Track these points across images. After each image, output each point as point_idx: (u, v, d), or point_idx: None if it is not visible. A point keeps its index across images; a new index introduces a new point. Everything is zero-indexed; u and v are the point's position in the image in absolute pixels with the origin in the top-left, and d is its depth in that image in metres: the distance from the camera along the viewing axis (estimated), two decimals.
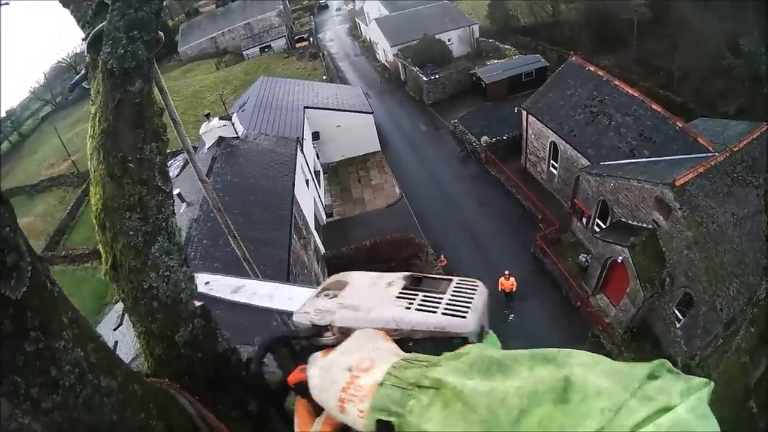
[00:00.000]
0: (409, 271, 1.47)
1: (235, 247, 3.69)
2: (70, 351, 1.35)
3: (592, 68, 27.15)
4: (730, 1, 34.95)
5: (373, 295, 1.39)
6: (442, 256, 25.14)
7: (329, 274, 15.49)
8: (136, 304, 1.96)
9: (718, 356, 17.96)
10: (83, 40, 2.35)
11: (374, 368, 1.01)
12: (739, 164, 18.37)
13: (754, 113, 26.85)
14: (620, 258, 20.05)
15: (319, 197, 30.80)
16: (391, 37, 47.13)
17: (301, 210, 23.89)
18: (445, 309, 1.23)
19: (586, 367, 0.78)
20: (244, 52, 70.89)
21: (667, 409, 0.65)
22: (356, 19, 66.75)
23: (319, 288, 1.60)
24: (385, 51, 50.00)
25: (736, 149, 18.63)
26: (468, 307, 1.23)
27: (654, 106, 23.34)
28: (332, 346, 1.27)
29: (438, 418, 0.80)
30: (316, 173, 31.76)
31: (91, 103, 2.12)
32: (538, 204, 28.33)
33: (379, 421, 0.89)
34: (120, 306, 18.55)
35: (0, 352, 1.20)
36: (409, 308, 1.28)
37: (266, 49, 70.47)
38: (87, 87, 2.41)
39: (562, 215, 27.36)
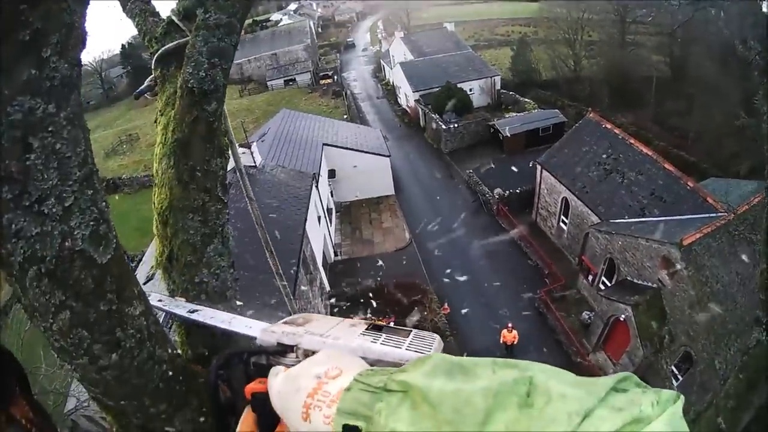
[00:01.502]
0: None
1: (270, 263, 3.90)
2: (135, 318, 1.49)
3: (608, 126, 27.51)
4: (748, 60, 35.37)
5: (338, 329, 1.46)
6: (446, 304, 25.15)
7: (332, 312, 15.52)
8: (185, 295, 2.17)
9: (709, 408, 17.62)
10: (151, 54, 2.76)
11: (342, 376, 1.01)
12: (744, 224, 18.32)
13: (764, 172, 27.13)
14: (623, 316, 20.07)
15: (329, 235, 31.01)
16: (413, 83, 47.64)
17: (310, 245, 24.05)
18: (409, 346, 1.31)
19: (548, 373, 0.78)
20: (269, 83, 71.87)
21: (638, 421, 0.65)
22: (381, 61, 67.43)
23: (282, 320, 1.64)
24: (407, 96, 50.41)
25: (741, 210, 18.69)
26: (430, 348, 1.31)
27: (667, 166, 23.60)
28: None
29: (406, 419, 0.80)
30: (329, 211, 32.02)
31: (159, 113, 2.54)
32: (546, 259, 28.43)
33: (345, 426, 0.89)
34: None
35: (76, 306, 1.32)
36: (374, 342, 1.35)
37: (290, 82, 71.37)
38: (149, 97, 2.89)
39: (569, 271, 27.42)
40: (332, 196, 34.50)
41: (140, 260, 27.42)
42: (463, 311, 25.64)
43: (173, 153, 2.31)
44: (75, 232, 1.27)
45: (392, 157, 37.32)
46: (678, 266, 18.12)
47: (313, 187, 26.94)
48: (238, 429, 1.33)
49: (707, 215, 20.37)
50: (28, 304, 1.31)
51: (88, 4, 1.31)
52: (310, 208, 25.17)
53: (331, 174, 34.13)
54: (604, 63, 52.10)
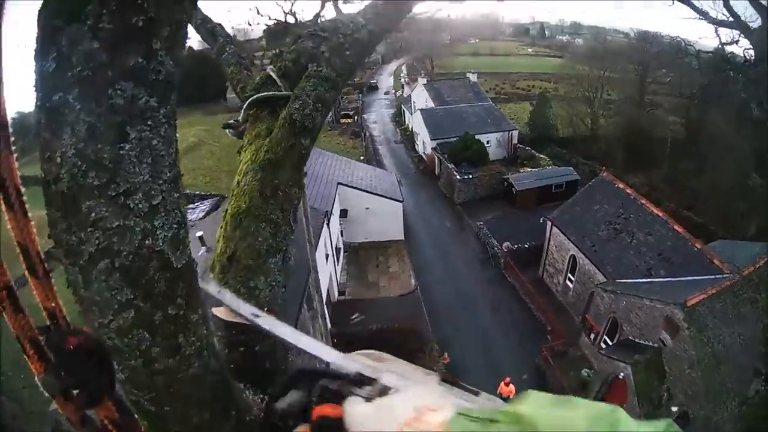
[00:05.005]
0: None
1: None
2: (199, 326, 1.49)
3: (621, 185, 27.72)
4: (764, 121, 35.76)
5: (416, 374, 1.49)
6: (446, 354, 25.04)
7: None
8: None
9: None
10: (245, 98, 3.33)
11: (439, 411, 1.04)
12: (749, 284, 18.46)
13: None
14: (622, 374, 19.99)
15: (335, 274, 31.03)
16: (432, 130, 47.96)
17: (317, 282, 24.14)
18: (482, 404, 1.34)
19: (624, 412, 0.89)
20: None
21: None
22: (402, 105, 67.76)
23: (353, 353, 1.75)
24: (425, 143, 50.72)
25: (747, 272, 18.78)
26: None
27: (676, 227, 23.73)
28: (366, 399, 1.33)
29: None
30: (337, 250, 32.10)
31: (247, 143, 3.05)
32: (549, 315, 28.33)
33: None
34: None
35: (144, 306, 1.30)
36: (452, 393, 1.36)
37: None
38: (230, 133, 3.43)
39: (571, 329, 27.29)
40: (342, 235, 34.62)
41: None
42: (464, 361, 25.57)
43: (262, 168, 2.71)
44: (157, 232, 1.27)
45: (405, 202, 37.41)
46: (680, 327, 18.16)
47: (324, 225, 27.13)
48: None
49: (713, 276, 20.37)
50: (88, 296, 1.27)
51: (197, 3, 1.40)
52: (319, 245, 25.31)
53: (343, 213, 34.27)
54: (621, 122, 52.57)
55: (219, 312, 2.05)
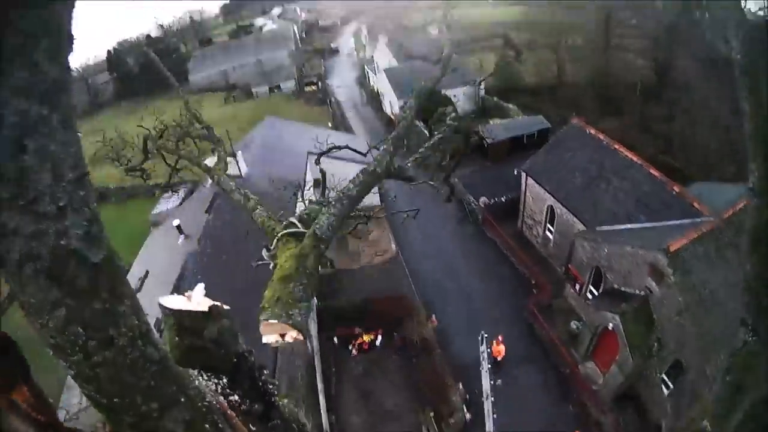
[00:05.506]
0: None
1: None
2: (128, 316, 1.57)
3: (593, 131, 27.25)
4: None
5: None
6: (434, 317, 24.94)
7: (318, 325, 15.62)
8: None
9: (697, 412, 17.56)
10: (276, 234, 4.90)
11: None
12: (732, 228, 18.07)
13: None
14: (611, 325, 19.95)
15: None
16: (398, 89, 47.33)
17: None
18: None
19: None
20: (253, 90, 71.58)
21: None
22: (366, 67, 66.74)
23: None
24: (392, 103, 50.10)
25: (728, 214, 18.45)
26: None
27: (652, 171, 23.39)
28: None
29: None
30: None
31: (282, 252, 4.51)
32: (532, 269, 28.31)
33: None
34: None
35: (71, 303, 1.39)
36: None
37: (275, 89, 71.10)
38: (265, 255, 4.90)
39: (555, 281, 27.32)
40: None
41: (127, 272, 27.00)
42: (450, 322, 25.66)
43: (297, 257, 4.18)
44: (69, 231, 1.35)
45: None
46: (665, 273, 17.95)
47: (298, 198, 26.56)
48: None
49: (694, 220, 20.23)
50: (25, 301, 1.38)
51: (74, 7, 1.36)
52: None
53: (316, 184, 33.73)
54: (588, 68, 52.21)
55: (166, 301, 2.22)
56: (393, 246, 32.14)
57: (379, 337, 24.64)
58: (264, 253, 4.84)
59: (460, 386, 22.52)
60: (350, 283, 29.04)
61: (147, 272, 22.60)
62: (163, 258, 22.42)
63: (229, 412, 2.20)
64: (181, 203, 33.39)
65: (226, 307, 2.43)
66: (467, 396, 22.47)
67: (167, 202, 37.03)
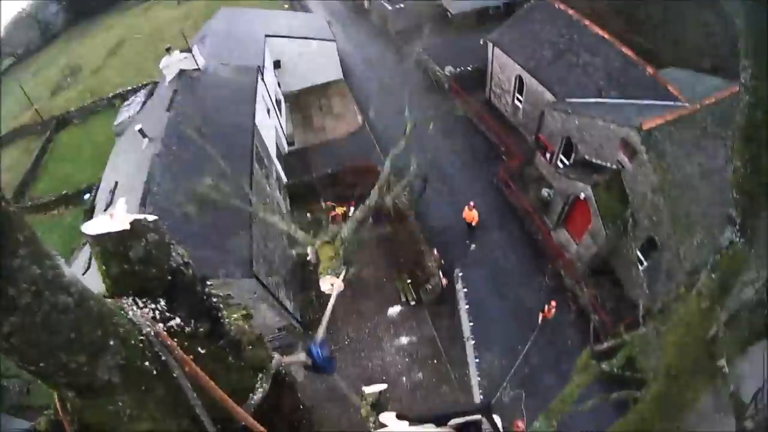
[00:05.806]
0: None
1: None
2: (26, 269, 1.34)
3: (561, 6, 26.37)
4: None
5: None
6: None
7: (291, 203, 16.29)
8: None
9: (680, 304, 17.76)
10: (320, 240, 6.75)
11: None
12: (711, 117, 17.81)
13: (729, 72, 26.31)
14: (583, 195, 20.13)
15: (281, 126, 30.57)
16: None
17: (262, 140, 23.81)
18: None
19: None
20: None
21: None
22: None
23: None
24: None
25: (707, 102, 18.04)
26: None
27: (624, 50, 22.90)
28: None
29: None
30: (278, 102, 31.35)
31: None
32: (501, 137, 28.38)
33: None
34: (88, 250, 18.76)
35: None
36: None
37: None
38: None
39: (525, 149, 27.49)
40: (280, 87, 33.76)
41: (98, 189, 27.05)
42: (423, 190, 26.10)
43: None
44: None
45: (338, 42, 36.21)
46: (638, 150, 17.95)
47: (259, 81, 26.31)
48: None
49: (668, 103, 19.94)
50: None
51: None
52: (258, 102, 24.66)
53: (277, 65, 33.25)
54: None
55: (88, 227, 1.92)
56: (359, 118, 32.09)
57: (352, 209, 24.70)
58: (310, 252, 7.38)
59: (435, 252, 23.01)
60: (318, 157, 29.19)
61: (116, 183, 22.44)
62: (130, 165, 22.07)
63: (169, 342, 1.93)
64: (141, 108, 32.77)
65: (151, 218, 2.07)
66: (442, 261, 23.04)
67: (128, 110, 36.36)
